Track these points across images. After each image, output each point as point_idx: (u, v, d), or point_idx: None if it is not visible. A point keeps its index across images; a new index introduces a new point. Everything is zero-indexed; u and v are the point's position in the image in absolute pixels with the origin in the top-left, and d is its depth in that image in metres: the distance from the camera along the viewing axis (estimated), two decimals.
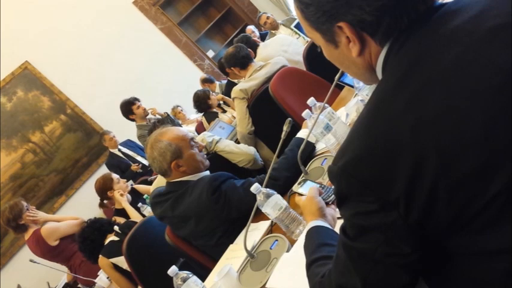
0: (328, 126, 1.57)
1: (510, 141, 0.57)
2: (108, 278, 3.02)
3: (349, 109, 1.89)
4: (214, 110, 4.66)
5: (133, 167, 4.44)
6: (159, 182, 2.68)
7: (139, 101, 4.55)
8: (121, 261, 2.66)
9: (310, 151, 1.81)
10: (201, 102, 4.61)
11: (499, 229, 0.59)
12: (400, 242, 0.65)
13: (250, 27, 5.59)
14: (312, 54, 2.93)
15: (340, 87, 2.21)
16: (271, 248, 1.43)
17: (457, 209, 0.60)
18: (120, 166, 4.61)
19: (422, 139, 0.60)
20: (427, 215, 0.62)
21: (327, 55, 0.80)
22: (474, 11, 0.66)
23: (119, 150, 4.76)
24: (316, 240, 0.99)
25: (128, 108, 4.51)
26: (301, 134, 1.87)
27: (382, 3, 0.66)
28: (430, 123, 0.60)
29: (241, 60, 3.03)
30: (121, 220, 3.28)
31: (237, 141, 3.07)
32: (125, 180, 3.70)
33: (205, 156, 1.93)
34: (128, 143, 4.86)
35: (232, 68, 3.12)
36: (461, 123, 0.59)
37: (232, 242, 1.74)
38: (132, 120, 4.60)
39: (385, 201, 0.64)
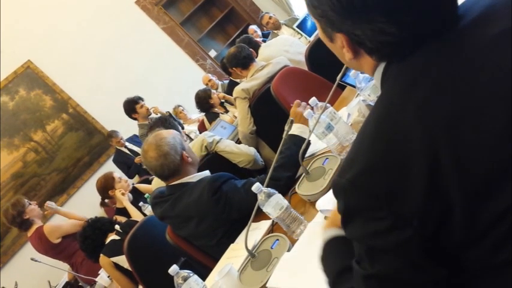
0: (330, 126, 1.57)
1: None
2: (109, 276, 3.02)
3: (351, 109, 1.89)
4: (216, 109, 4.67)
5: (137, 159, 4.47)
6: (159, 181, 2.68)
7: (143, 101, 4.57)
8: (122, 260, 2.66)
9: (306, 148, 1.80)
10: (202, 102, 4.62)
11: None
12: (422, 261, 0.61)
13: (253, 27, 5.59)
14: (314, 54, 2.93)
15: (342, 87, 2.21)
16: (272, 248, 1.43)
17: (471, 219, 0.57)
18: (127, 162, 4.68)
19: (434, 147, 0.58)
20: (442, 227, 0.59)
21: (321, 38, 0.78)
22: (476, 14, 0.65)
23: (125, 147, 4.81)
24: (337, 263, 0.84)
25: (132, 106, 4.52)
26: (295, 130, 1.81)
27: (386, 40, 0.64)
28: (441, 130, 0.58)
29: (243, 60, 3.03)
30: (122, 219, 3.29)
31: (239, 141, 3.07)
32: (126, 179, 3.71)
33: None
34: (134, 139, 4.89)
35: (234, 68, 3.12)
36: (474, 128, 0.57)
37: (233, 242, 1.74)
38: (135, 119, 4.61)
39: (398, 216, 0.60)
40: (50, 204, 4.00)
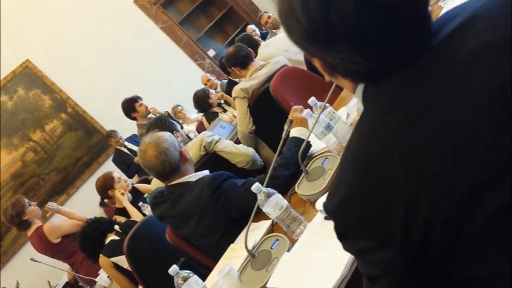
0: (329, 125, 1.57)
1: (498, 166, 0.55)
2: (108, 277, 3.02)
3: (350, 109, 1.89)
4: (215, 109, 4.66)
5: (136, 159, 4.47)
6: (158, 181, 2.68)
7: (141, 99, 4.58)
8: (122, 260, 2.66)
9: (307, 149, 1.81)
10: (201, 102, 4.61)
11: (497, 251, 0.57)
12: (413, 276, 0.63)
13: (251, 27, 5.58)
14: None
15: (341, 87, 2.21)
16: (272, 248, 1.43)
17: (450, 237, 0.58)
18: (126, 162, 4.68)
19: (412, 170, 0.59)
20: (423, 245, 0.60)
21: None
22: (452, 28, 0.64)
23: (125, 146, 4.81)
24: None
25: (131, 105, 4.51)
26: (295, 132, 1.84)
27: (356, 68, 0.65)
28: (418, 153, 0.59)
29: (241, 60, 3.02)
30: (122, 219, 3.29)
31: (238, 141, 3.07)
32: (126, 179, 3.70)
33: None
34: (134, 138, 4.88)
35: (232, 68, 3.12)
36: (450, 149, 0.57)
37: (233, 242, 1.74)
38: (133, 118, 4.61)
39: (382, 237, 0.62)
40: (51, 205, 3.99)
